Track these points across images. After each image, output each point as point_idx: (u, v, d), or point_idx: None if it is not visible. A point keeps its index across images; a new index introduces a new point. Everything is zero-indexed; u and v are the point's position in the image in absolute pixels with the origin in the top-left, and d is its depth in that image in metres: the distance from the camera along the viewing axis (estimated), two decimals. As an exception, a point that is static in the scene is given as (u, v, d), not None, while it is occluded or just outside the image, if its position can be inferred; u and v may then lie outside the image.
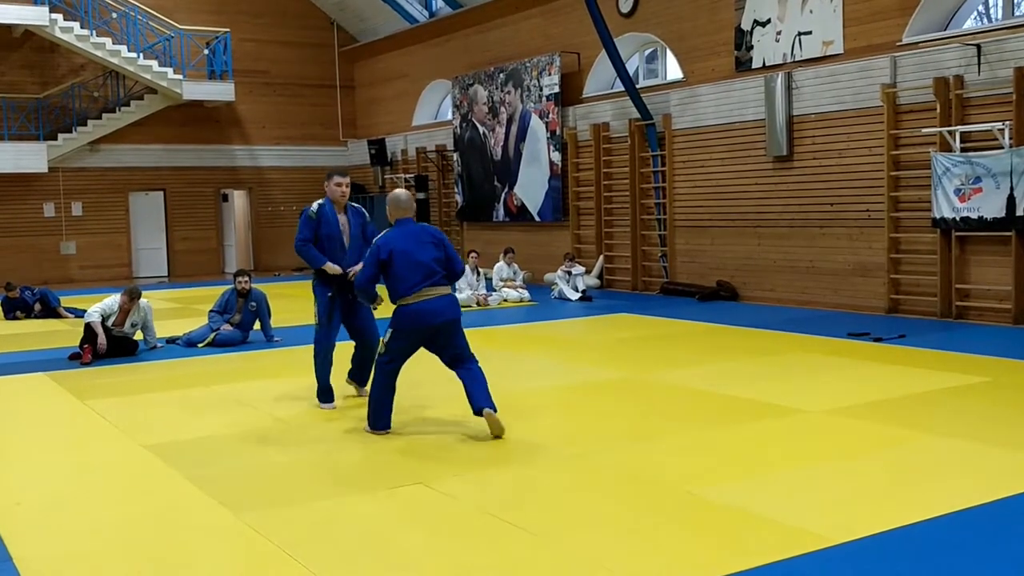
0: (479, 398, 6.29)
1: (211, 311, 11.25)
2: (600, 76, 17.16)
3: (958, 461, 5.60)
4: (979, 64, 11.16)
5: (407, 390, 8.33)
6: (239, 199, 24.56)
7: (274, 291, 14.65)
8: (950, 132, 11.34)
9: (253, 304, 11.14)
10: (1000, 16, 11.98)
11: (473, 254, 15.33)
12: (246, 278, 11.26)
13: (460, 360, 6.50)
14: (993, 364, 8.62)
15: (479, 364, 6.53)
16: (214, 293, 12.11)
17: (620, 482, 5.37)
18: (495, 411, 6.27)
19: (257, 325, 11.23)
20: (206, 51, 22.04)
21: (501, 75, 18.93)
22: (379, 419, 6.57)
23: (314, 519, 4.83)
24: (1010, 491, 4.93)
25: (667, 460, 5.79)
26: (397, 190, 6.99)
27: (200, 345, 10.83)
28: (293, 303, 15.48)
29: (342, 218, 7.62)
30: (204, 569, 4.23)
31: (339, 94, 24.84)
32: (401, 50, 22.81)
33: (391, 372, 6.54)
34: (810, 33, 13.15)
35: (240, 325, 11.10)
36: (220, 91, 22.10)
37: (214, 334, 10.91)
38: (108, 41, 20.73)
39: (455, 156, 20.67)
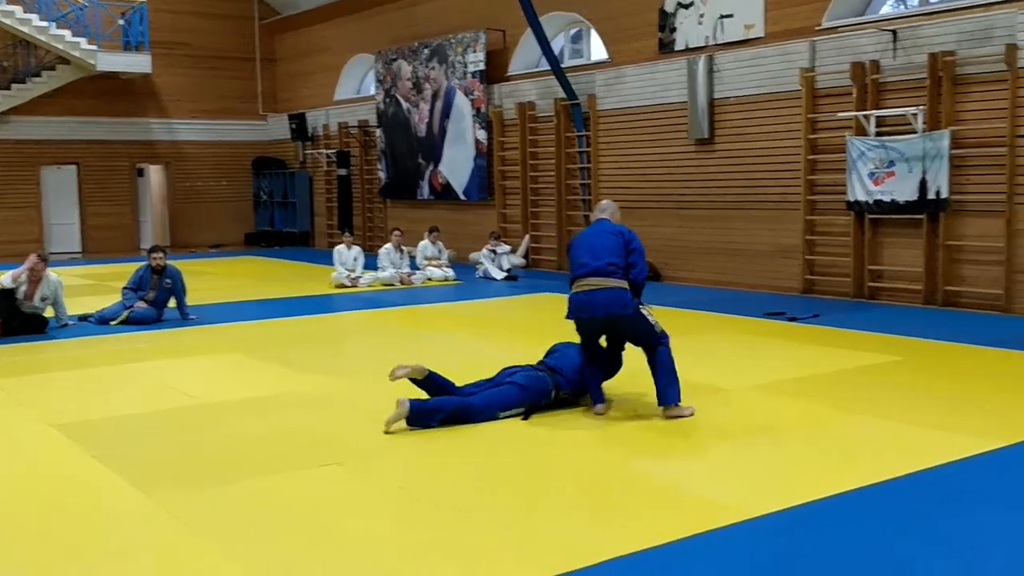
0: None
1: (125, 288, 10.97)
2: (526, 54, 17.12)
3: (870, 437, 5.74)
4: (895, 49, 11.42)
5: (334, 374, 8.23)
6: (155, 174, 23.98)
7: (190, 268, 14.34)
8: (865, 116, 11.58)
9: (168, 281, 10.88)
10: (916, 2, 12.26)
11: (396, 232, 15.20)
12: (161, 254, 10.99)
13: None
14: (904, 344, 8.86)
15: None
16: (128, 270, 11.79)
17: (547, 459, 5.38)
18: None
19: (172, 303, 10.99)
20: (121, 21, 21.39)
21: (426, 51, 18.75)
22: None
23: (229, 500, 4.73)
24: (919, 466, 5.08)
25: (591, 436, 5.82)
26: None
27: (113, 323, 10.55)
28: (210, 280, 15.20)
29: None
30: (112, 552, 4.12)
31: (259, 67, 24.35)
32: (324, 23, 22.44)
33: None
34: (732, 16, 13.28)
35: (154, 303, 10.84)
36: (136, 62, 21.51)
37: (128, 311, 10.63)
38: (18, 9, 19.98)
39: (378, 132, 20.45)
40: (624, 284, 6.18)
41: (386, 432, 5.83)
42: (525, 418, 6.14)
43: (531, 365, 6.54)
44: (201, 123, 23.64)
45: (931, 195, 10.98)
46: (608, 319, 6.24)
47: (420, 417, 5.89)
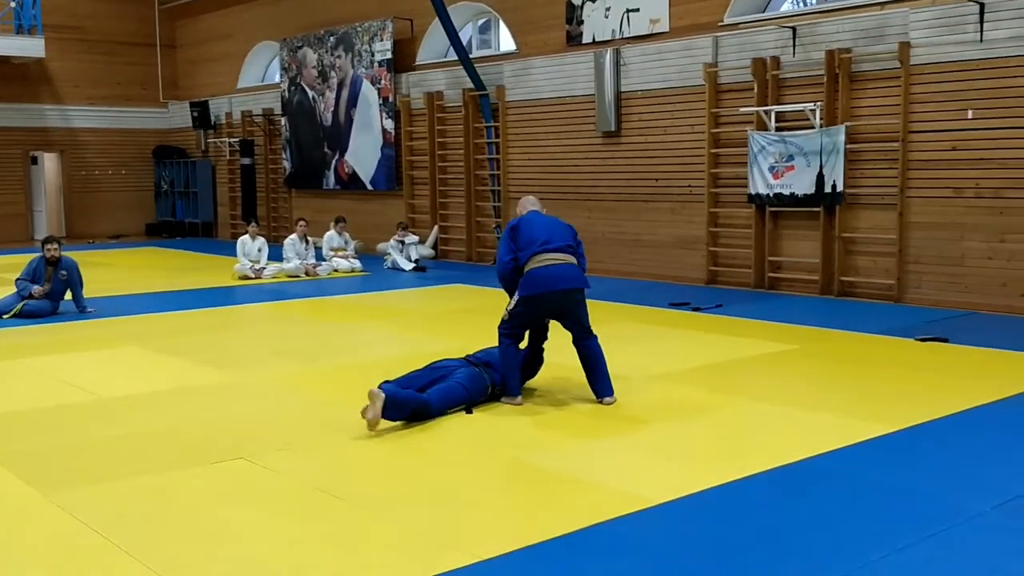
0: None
1: (18, 279, 10.57)
2: (433, 44, 17.04)
3: (770, 424, 5.90)
4: (794, 46, 11.72)
5: (236, 368, 8.10)
6: (50, 162, 23.14)
7: (88, 259, 13.92)
8: (766, 112, 11.88)
9: (63, 273, 10.54)
10: (814, 0, 12.60)
11: (301, 223, 14.98)
12: (55, 245, 10.63)
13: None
14: (802, 332, 9.13)
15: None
16: (22, 261, 11.38)
17: (449, 452, 5.39)
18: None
19: (69, 295, 10.65)
20: (12, 4, 20.54)
21: (331, 39, 18.51)
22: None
23: (129, 497, 4.62)
24: (816, 451, 5.24)
25: (495, 429, 5.85)
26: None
27: (6, 316, 10.18)
28: (108, 272, 14.77)
29: None
30: (8, 551, 3.97)
31: (159, 53, 23.69)
32: (226, 9, 21.95)
33: None
34: (638, 11, 13.45)
35: (50, 295, 10.48)
36: (28, 47, 20.72)
37: (22, 303, 10.26)
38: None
39: (283, 120, 20.12)
40: (576, 262, 6.40)
41: (371, 431, 5.60)
42: (468, 412, 6.14)
43: (463, 360, 6.48)
44: (98, 110, 22.92)
45: (827, 188, 11.32)
46: (568, 292, 6.31)
47: (393, 407, 5.67)
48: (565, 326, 6.51)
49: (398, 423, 5.78)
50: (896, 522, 4.21)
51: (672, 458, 5.22)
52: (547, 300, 6.31)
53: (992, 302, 10.14)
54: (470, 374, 6.28)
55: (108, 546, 4.00)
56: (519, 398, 6.35)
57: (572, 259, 6.37)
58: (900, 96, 10.73)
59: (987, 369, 7.45)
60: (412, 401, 5.85)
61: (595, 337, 6.45)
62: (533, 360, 6.71)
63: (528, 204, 6.85)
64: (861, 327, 9.27)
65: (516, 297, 6.37)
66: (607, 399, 6.33)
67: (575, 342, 6.47)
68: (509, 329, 6.44)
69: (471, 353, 6.65)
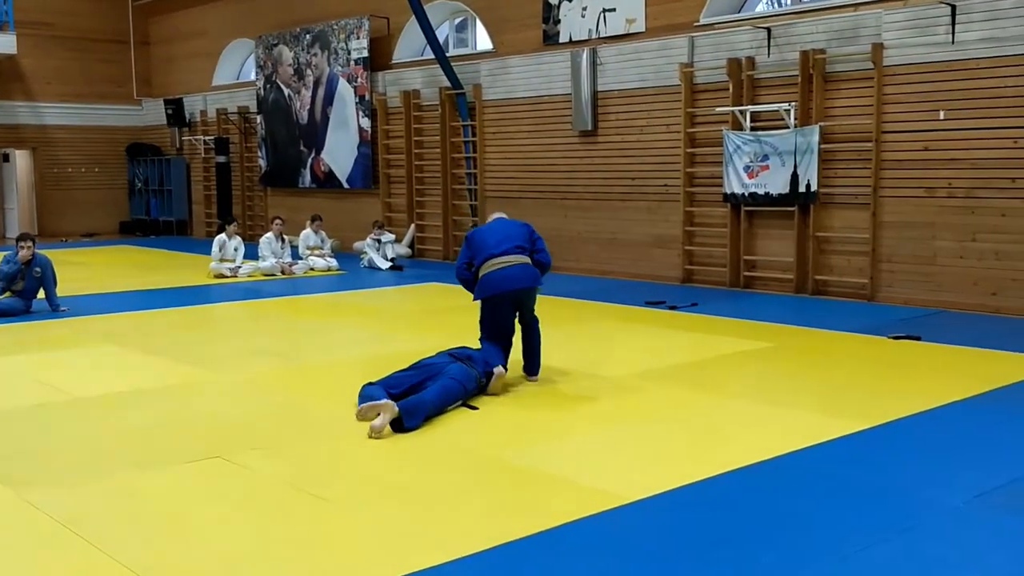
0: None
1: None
2: (410, 42, 17.02)
3: (745, 421, 5.94)
4: (769, 47, 11.80)
5: (212, 367, 8.07)
6: (22, 159, 22.91)
7: (61, 258, 13.80)
8: (741, 112, 11.95)
9: (37, 271, 10.45)
10: (789, 1, 12.69)
11: (277, 221, 14.91)
12: (29, 243, 10.53)
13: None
14: (776, 330, 9.19)
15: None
16: (-8, 259, 11.25)
17: (425, 450, 5.39)
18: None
19: (41, 294, 10.55)
20: (-17, -2, 20.35)
21: (307, 36, 18.44)
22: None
23: (105, 496, 4.59)
24: (790, 447, 5.29)
25: (473, 427, 5.85)
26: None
27: (-23, 314, 10.07)
28: (82, 271, 14.65)
29: None
30: (-21, 553, 3.95)
31: (133, 50, 23.51)
32: (201, 6, 21.81)
33: None
34: (614, 10, 13.49)
35: (23, 293, 10.39)
36: (0, 43, 20.45)
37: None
38: None
39: (258, 119, 20.02)
40: (529, 262, 6.89)
41: (375, 438, 5.52)
42: (472, 408, 6.19)
43: (448, 355, 6.48)
44: (71, 107, 22.71)
45: (802, 188, 11.40)
46: (520, 292, 6.82)
47: (408, 416, 5.62)
48: (522, 315, 7.07)
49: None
50: (870, 517, 4.26)
51: (647, 455, 5.25)
52: (501, 300, 6.82)
53: (963, 300, 10.25)
54: (461, 369, 6.29)
55: (83, 544, 3.98)
56: (501, 367, 6.61)
57: (524, 259, 6.86)
58: (873, 96, 10.82)
59: (958, 366, 7.53)
60: (424, 406, 5.79)
61: (537, 321, 7.04)
62: (527, 339, 7.04)
63: (492, 216, 7.45)
64: (835, 325, 9.35)
65: (475, 300, 6.96)
66: (532, 378, 6.97)
67: (520, 321, 7.01)
68: (484, 334, 6.97)
69: (450, 349, 6.67)
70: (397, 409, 5.60)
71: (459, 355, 6.51)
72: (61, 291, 10.78)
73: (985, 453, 5.27)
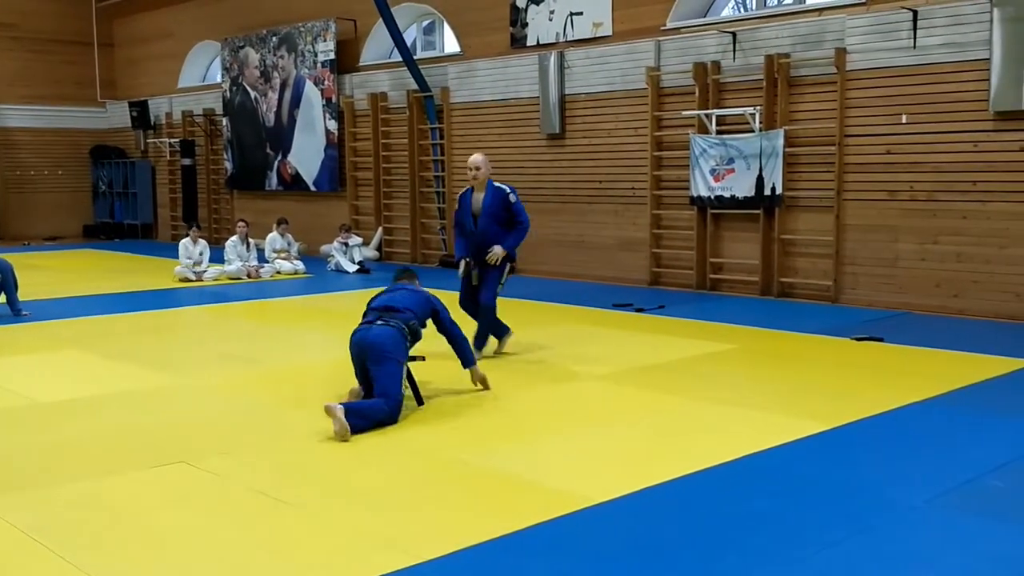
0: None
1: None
2: (377, 45, 16.98)
3: (709, 422, 5.98)
4: (734, 51, 11.90)
5: (176, 371, 8.01)
6: (-18, 161, 22.62)
7: (23, 261, 13.63)
8: (707, 115, 12.03)
9: (-2, 275, 10.31)
10: (754, 6, 12.80)
11: (242, 223, 14.81)
12: (-10, 247, 10.40)
13: None
14: (742, 332, 9.27)
15: None
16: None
17: (391, 453, 5.37)
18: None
19: (2, 298, 10.41)
20: (-58, -3, 20.07)
21: (274, 39, 18.35)
22: None
23: (66, 502, 4.54)
24: (754, 448, 5.33)
25: (439, 430, 5.85)
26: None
27: (-65, 319, 9.92)
28: (45, 274, 14.47)
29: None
30: (-64, 561, 3.89)
31: (97, 52, 23.26)
32: (166, 8, 21.63)
33: None
34: (581, 14, 13.54)
35: (-17, 298, 10.25)
36: (-42, 43, 20.24)
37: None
38: None
39: (224, 121, 19.88)
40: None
41: (343, 441, 5.49)
42: (420, 403, 6.26)
43: (376, 327, 6.12)
44: (33, 109, 22.44)
45: (767, 191, 11.51)
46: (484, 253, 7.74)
47: (354, 415, 5.59)
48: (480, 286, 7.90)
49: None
50: (831, 517, 4.31)
51: (613, 457, 5.27)
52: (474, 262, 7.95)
53: (925, 302, 10.39)
54: (396, 397, 5.91)
55: (44, 552, 3.93)
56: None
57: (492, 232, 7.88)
58: (837, 101, 10.94)
59: (920, 368, 7.63)
60: (376, 412, 5.76)
61: (490, 309, 7.83)
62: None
63: (478, 162, 8.38)
64: (799, 327, 9.44)
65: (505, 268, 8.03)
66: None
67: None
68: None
69: (371, 305, 6.42)
70: (340, 407, 5.53)
71: (379, 307, 6.29)
72: (23, 295, 10.64)
73: (944, 453, 5.34)
